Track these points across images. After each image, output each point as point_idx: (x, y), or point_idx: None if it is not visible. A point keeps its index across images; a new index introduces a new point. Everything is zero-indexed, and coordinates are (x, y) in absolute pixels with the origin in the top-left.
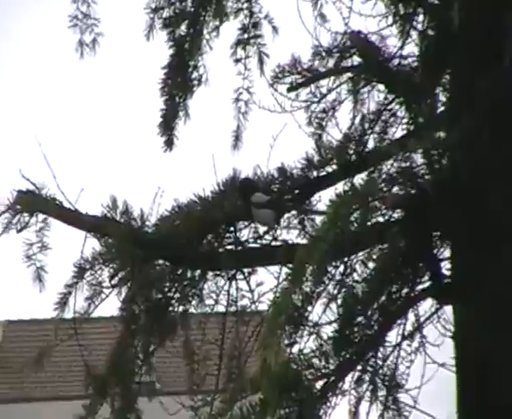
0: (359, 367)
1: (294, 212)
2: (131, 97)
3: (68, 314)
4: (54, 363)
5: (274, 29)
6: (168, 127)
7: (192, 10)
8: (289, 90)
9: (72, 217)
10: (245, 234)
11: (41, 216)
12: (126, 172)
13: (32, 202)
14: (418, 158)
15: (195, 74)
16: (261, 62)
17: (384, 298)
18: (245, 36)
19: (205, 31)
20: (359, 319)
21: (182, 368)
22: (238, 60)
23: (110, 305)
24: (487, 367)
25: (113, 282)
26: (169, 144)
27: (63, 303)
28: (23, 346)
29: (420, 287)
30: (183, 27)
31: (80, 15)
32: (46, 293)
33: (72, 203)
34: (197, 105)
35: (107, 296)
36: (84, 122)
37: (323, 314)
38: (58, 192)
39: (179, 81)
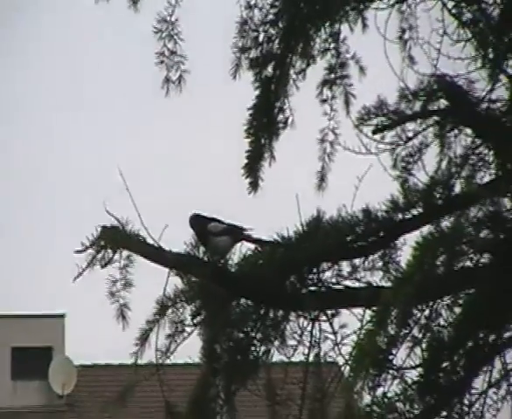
0: (444, 414)
1: (378, 254)
2: (215, 135)
3: (149, 351)
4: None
5: (361, 69)
6: (253, 168)
7: (279, 51)
8: (374, 132)
9: (156, 254)
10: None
11: (125, 253)
12: (209, 211)
13: (116, 238)
14: (507, 202)
15: (281, 116)
16: (347, 103)
17: (470, 343)
18: (332, 76)
19: (292, 72)
20: (445, 364)
21: (263, 409)
22: (324, 100)
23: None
24: None
25: (195, 320)
26: (254, 186)
27: (144, 339)
28: (96, 392)
29: (508, 334)
30: (270, 68)
31: (167, 52)
32: (119, 338)
33: (156, 240)
34: (281, 145)
35: (189, 334)
36: (167, 158)
37: (408, 358)
38: (141, 228)
39: (265, 123)
